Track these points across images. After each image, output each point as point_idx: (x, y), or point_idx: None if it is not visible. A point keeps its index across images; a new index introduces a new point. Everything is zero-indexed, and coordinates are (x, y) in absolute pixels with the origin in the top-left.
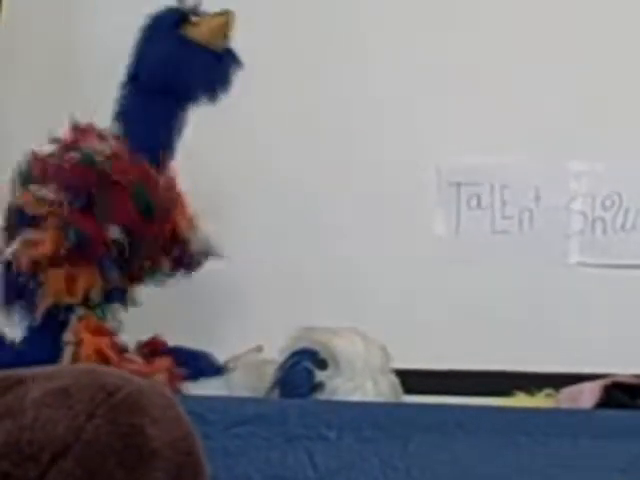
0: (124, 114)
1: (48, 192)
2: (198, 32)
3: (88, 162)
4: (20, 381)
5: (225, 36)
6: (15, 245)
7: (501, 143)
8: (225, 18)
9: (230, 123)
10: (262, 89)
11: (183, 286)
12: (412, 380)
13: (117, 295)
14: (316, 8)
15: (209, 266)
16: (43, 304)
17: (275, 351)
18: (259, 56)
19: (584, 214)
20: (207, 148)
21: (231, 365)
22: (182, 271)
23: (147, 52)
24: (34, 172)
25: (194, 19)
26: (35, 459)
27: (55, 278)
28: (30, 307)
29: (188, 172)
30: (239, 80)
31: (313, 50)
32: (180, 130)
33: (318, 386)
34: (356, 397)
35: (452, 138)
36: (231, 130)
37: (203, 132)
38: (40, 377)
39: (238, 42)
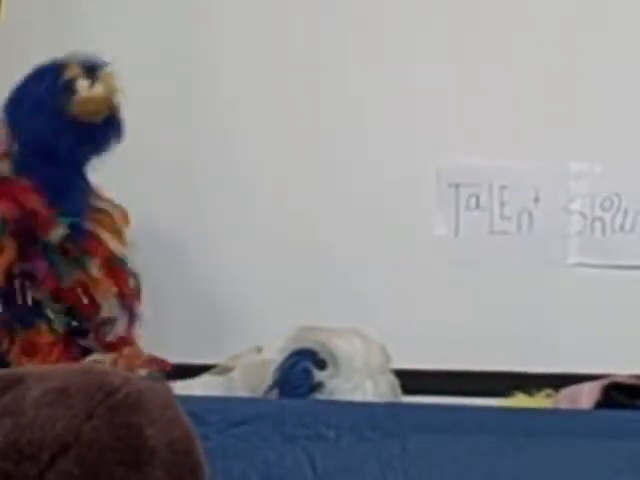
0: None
1: None
2: (80, 109)
3: None
4: (19, 380)
5: (108, 107)
6: None
7: (500, 144)
8: (105, 91)
9: (231, 124)
10: (259, 87)
11: (182, 287)
12: (411, 380)
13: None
14: (316, 8)
15: (208, 266)
16: None
17: (274, 351)
18: (260, 55)
19: (583, 215)
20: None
21: (230, 365)
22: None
23: (27, 123)
24: None
25: (77, 94)
26: (34, 458)
27: None
28: None
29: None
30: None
31: (312, 51)
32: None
33: (317, 386)
34: (355, 397)
35: (451, 139)
36: (234, 130)
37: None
38: (39, 376)
39: (239, 47)
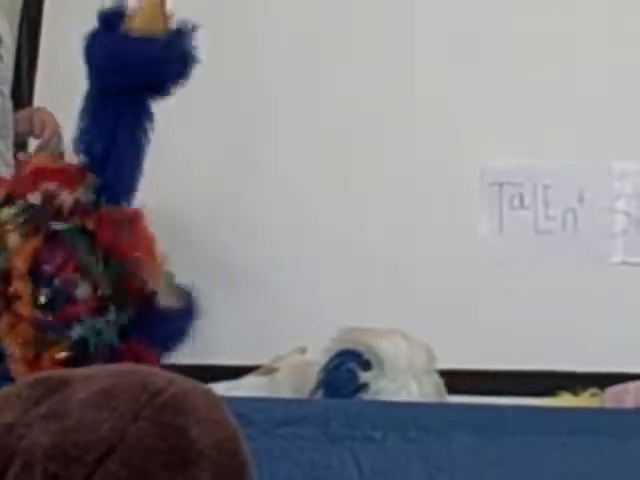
0: (88, 136)
1: None
2: (135, 23)
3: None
4: (64, 382)
5: (163, 17)
6: None
7: (544, 143)
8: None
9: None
10: (288, 86)
11: (227, 289)
12: (456, 380)
13: None
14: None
15: (252, 268)
16: None
17: (319, 352)
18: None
19: (628, 214)
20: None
21: (275, 366)
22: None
23: (93, 58)
24: None
25: (130, 13)
26: (80, 460)
27: None
28: None
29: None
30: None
31: (347, 51)
32: (144, 145)
33: (362, 387)
34: (400, 398)
35: (494, 139)
36: (276, 132)
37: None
38: (84, 378)
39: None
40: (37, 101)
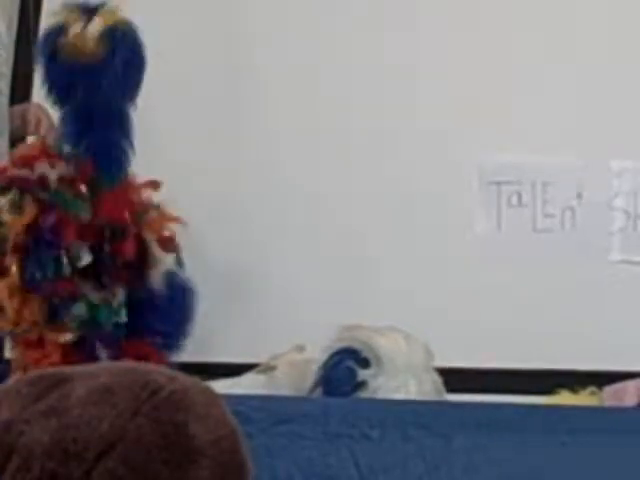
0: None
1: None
2: (71, 49)
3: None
4: (65, 379)
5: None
6: None
7: (542, 141)
8: (98, 29)
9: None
10: (288, 89)
11: (226, 288)
12: (455, 378)
13: None
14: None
15: (251, 266)
16: None
17: (317, 350)
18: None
19: (626, 212)
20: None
21: (273, 364)
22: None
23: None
24: None
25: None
26: (80, 457)
27: None
28: None
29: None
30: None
31: (346, 50)
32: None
33: (361, 385)
34: (399, 396)
35: (492, 137)
36: (277, 130)
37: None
38: (84, 375)
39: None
40: (35, 98)
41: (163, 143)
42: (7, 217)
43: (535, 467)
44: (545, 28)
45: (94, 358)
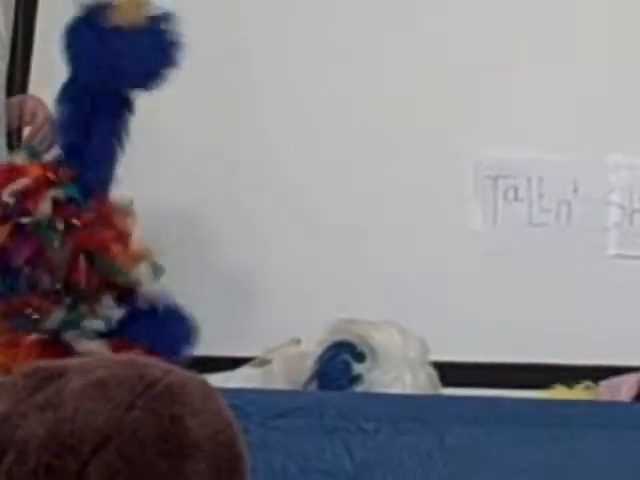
0: (65, 127)
1: None
2: (116, 15)
3: None
4: (60, 373)
5: (142, 7)
6: None
7: (538, 136)
8: None
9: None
10: (287, 88)
11: (220, 280)
12: (450, 373)
13: None
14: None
15: (245, 259)
16: None
17: (312, 343)
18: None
19: (622, 206)
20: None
21: (268, 357)
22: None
23: (75, 51)
24: None
25: (111, 6)
26: (76, 451)
27: None
28: None
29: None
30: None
31: (345, 49)
32: (122, 142)
33: (356, 378)
34: (394, 389)
35: (488, 132)
36: (269, 123)
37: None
38: (80, 369)
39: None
40: (31, 90)
41: (162, 142)
42: None
43: (530, 461)
44: (541, 24)
45: (72, 353)
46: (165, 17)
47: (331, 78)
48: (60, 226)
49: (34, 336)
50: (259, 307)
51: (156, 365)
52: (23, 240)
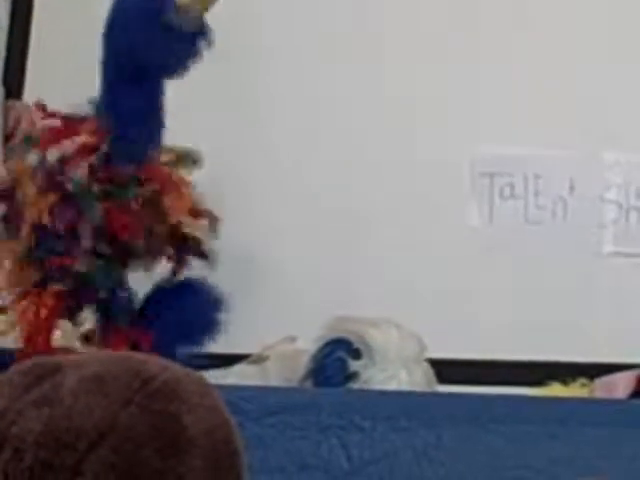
0: (107, 104)
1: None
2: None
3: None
4: (56, 369)
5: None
6: None
7: (534, 133)
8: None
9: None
10: (286, 85)
11: (216, 277)
12: (446, 370)
13: None
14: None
15: (242, 254)
16: None
17: (309, 341)
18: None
19: (618, 204)
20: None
21: (265, 355)
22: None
23: (130, 38)
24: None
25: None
26: (72, 447)
27: None
28: None
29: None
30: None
31: (343, 47)
32: (163, 117)
33: (352, 376)
34: (390, 387)
35: (484, 128)
36: (273, 124)
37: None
38: (76, 364)
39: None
40: (27, 91)
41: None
42: (31, 193)
43: (526, 458)
44: (538, 22)
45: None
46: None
47: (328, 77)
48: (97, 191)
49: (58, 286)
50: (256, 304)
51: (152, 361)
52: (64, 207)
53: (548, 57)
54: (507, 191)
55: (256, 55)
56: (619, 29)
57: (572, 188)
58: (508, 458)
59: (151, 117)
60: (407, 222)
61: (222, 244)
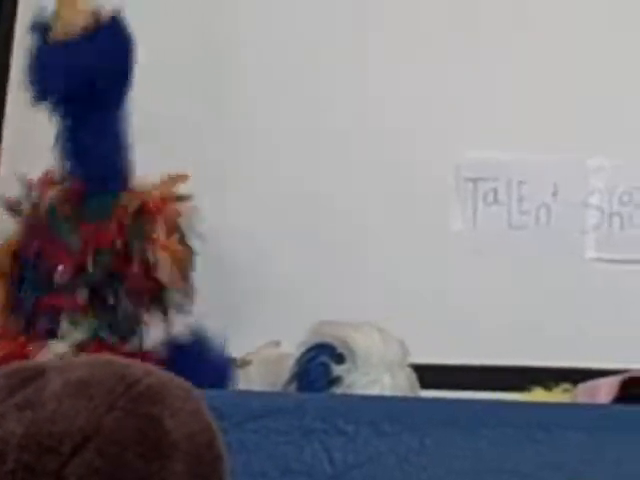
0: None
1: None
2: (56, 29)
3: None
4: (40, 372)
5: (79, 13)
6: None
7: (518, 138)
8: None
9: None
10: (275, 92)
11: (200, 280)
12: (429, 375)
13: None
14: (331, 8)
15: (226, 259)
16: None
17: (292, 345)
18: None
19: (601, 209)
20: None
21: (248, 359)
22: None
23: (38, 75)
24: None
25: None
26: (55, 451)
27: None
28: None
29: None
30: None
31: (327, 48)
32: (122, 141)
33: (335, 380)
34: (373, 391)
35: (469, 134)
36: (263, 124)
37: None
38: (60, 368)
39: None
40: (10, 104)
41: (161, 142)
42: None
43: (508, 463)
44: (523, 25)
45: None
46: (112, 18)
47: (312, 79)
48: (68, 216)
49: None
50: (239, 309)
51: (136, 365)
52: (32, 233)
53: (532, 64)
54: (491, 196)
55: (240, 54)
56: (605, 37)
57: (555, 194)
58: (491, 463)
59: (102, 149)
60: (391, 226)
61: (205, 248)
